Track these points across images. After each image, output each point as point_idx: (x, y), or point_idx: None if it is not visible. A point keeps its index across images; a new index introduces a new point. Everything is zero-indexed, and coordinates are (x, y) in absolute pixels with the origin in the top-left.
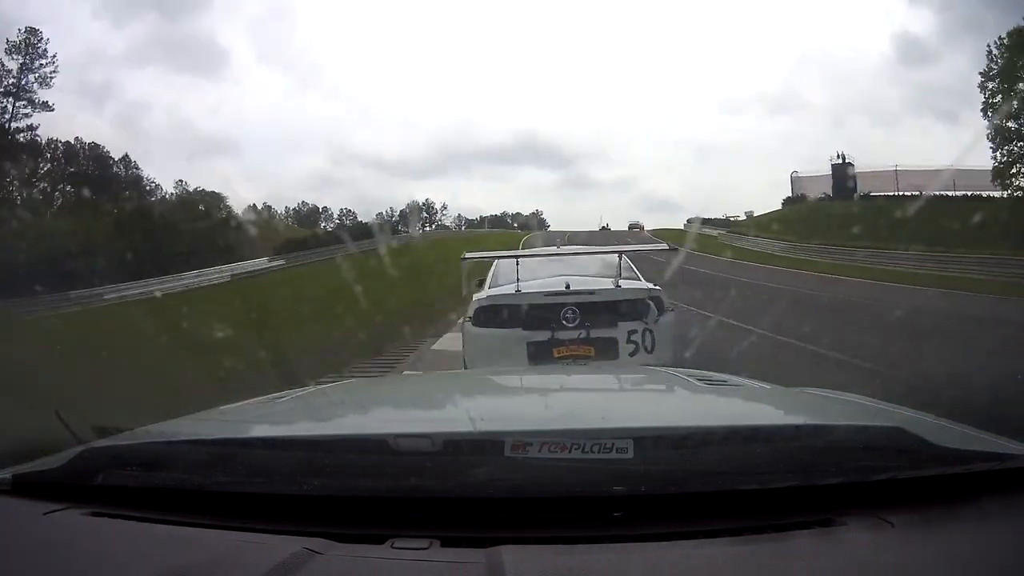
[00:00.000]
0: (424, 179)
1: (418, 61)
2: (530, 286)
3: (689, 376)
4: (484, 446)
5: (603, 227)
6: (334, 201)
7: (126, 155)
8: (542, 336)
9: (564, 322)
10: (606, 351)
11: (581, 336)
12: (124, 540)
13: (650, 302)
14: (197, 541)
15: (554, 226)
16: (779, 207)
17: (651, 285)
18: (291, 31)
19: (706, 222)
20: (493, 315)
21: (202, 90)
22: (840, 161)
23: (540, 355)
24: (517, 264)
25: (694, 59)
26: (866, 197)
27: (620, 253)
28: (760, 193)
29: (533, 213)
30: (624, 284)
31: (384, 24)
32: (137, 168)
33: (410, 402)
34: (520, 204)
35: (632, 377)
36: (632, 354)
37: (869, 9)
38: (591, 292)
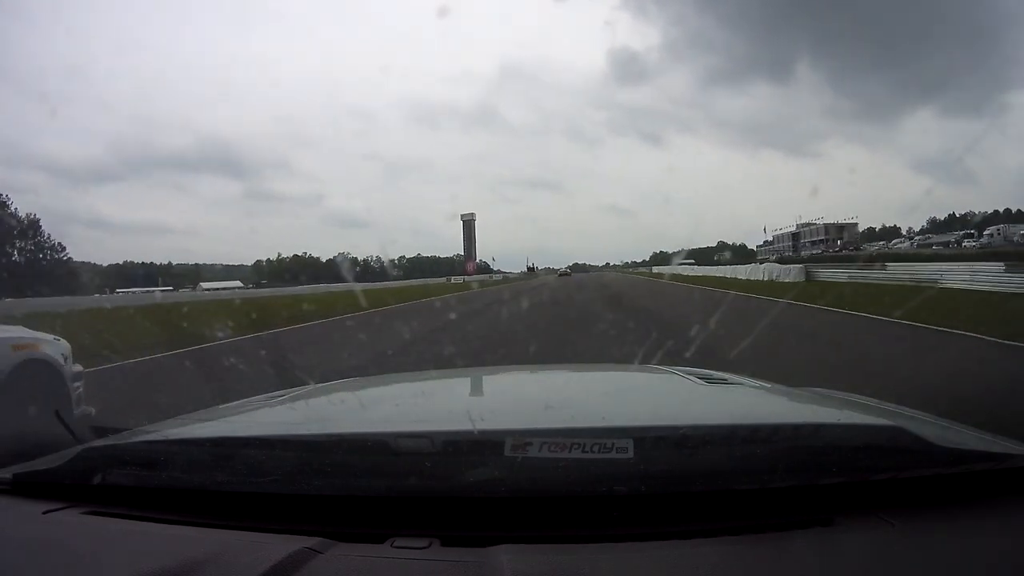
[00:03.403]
0: (102, 185)
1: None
2: None
3: (689, 375)
4: (484, 446)
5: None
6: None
7: None
8: None
9: None
10: None
11: None
12: (123, 539)
13: None
14: (196, 540)
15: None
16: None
17: None
18: None
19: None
20: None
21: None
22: None
23: None
24: None
25: (387, 60)
26: None
27: None
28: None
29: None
30: None
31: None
32: None
33: (410, 401)
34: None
35: (632, 376)
36: None
37: (583, 26)
38: None
